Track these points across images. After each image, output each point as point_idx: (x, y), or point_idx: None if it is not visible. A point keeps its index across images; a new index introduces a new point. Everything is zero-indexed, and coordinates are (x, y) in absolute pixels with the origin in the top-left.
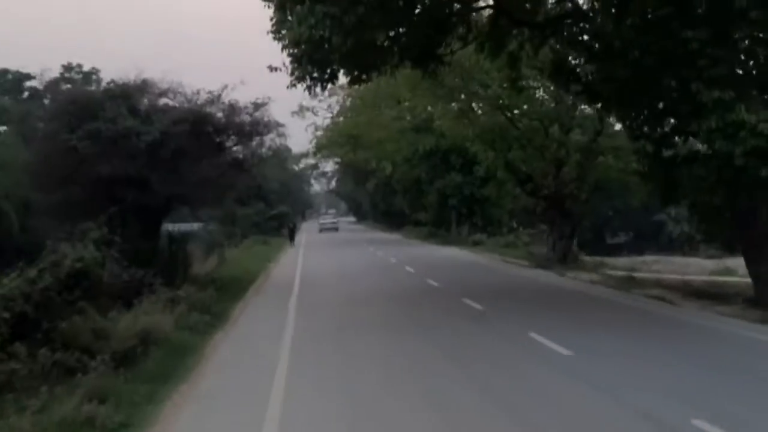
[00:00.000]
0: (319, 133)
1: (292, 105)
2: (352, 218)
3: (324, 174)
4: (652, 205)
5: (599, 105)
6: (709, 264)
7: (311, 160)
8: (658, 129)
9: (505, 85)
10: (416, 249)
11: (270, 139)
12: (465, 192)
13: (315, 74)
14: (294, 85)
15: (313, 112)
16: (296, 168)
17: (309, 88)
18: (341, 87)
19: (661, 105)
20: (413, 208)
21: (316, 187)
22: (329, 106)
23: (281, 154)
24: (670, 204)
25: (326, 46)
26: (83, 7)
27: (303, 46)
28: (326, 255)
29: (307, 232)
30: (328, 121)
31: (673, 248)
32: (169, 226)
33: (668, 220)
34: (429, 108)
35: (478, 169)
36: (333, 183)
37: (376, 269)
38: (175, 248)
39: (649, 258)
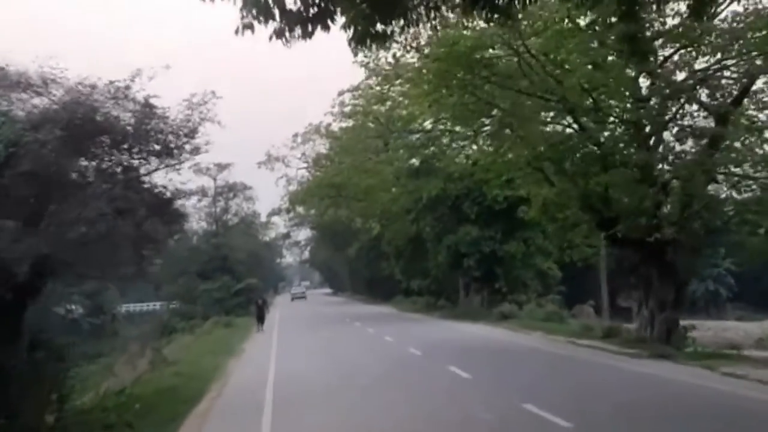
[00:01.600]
0: (292, 187)
1: (259, 154)
2: (327, 289)
3: (296, 243)
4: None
5: None
6: (752, 327)
7: (282, 228)
8: None
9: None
10: (430, 328)
11: (236, 204)
12: (484, 249)
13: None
14: (249, 27)
15: (284, 162)
16: (267, 238)
17: (279, 33)
18: (317, 130)
19: None
20: (408, 273)
21: (289, 258)
22: (303, 154)
23: (248, 220)
24: None
25: None
26: None
27: None
28: (310, 342)
29: (281, 306)
30: (303, 172)
31: (695, 310)
32: (130, 307)
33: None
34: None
35: (524, 210)
36: (306, 253)
37: (398, 370)
38: (42, 357)
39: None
